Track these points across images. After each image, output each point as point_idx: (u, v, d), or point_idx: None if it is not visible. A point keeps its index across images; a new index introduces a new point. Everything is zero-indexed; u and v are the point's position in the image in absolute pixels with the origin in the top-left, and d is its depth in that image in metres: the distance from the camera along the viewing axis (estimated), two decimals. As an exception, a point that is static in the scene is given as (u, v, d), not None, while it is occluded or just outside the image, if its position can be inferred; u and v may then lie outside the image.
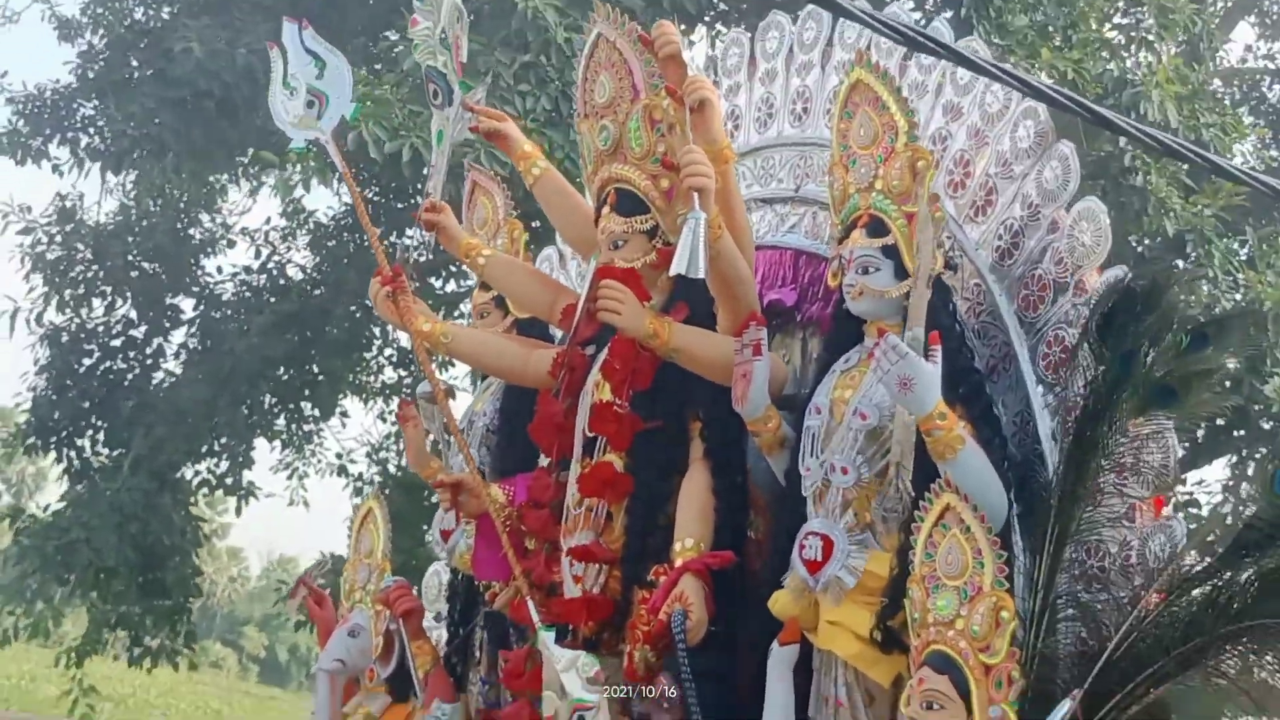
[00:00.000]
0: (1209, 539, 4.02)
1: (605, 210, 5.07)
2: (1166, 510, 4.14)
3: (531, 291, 5.57)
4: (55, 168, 15.25)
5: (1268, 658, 3.85)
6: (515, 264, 5.71)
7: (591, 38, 5.13)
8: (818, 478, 4.48)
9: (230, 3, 13.80)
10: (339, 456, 17.16)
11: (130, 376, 15.99)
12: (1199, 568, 3.93)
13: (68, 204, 15.93)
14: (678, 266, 4.40)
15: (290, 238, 16.48)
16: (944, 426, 4.11)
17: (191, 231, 16.60)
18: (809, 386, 4.75)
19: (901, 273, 4.40)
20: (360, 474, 16.42)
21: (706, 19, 13.62)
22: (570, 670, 4.59)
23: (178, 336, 16.33)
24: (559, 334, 5.67)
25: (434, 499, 6.14)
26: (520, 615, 5.25)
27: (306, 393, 16.30)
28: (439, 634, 6.07)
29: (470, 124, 5.41)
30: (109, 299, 16.04)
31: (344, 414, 17.01)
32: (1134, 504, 4.07)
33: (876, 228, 4.44)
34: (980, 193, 4.70)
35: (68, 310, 15.77)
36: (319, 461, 17.22)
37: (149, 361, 16.20)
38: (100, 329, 16.04)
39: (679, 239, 4.44)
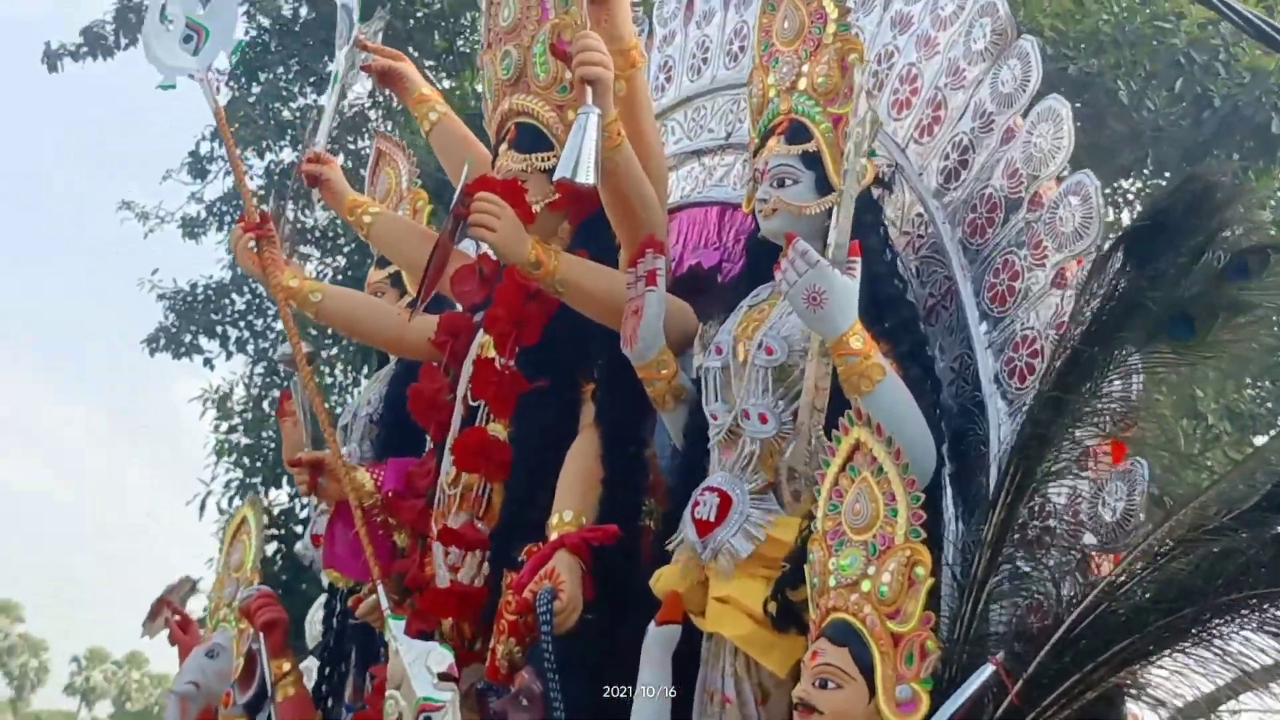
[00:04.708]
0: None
1: (503, 148, 4.38)
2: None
3: (424, 254, 4.84)
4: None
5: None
6: (406, 223, 5.00)
7: None
8: (726, 423, 3.74)
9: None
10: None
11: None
12: (1211, 525, 3.11)
13: (253, 390, 15.65)
14: (562, 170, 3.67)
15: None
16: (859, 352, 3.38)
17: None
18: None
19: (824, 186, 3.71)
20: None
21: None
22: (419, 663, 3.82)
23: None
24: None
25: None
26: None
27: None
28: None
29: (363, 63, 4.79)
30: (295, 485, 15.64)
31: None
32: (1089, 448, 3.28)
33: (797, 132, 3.76)
34: (927, 109, 4.02)
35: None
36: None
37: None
38: (282, 515, 15.33)
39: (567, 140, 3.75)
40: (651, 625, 3.70)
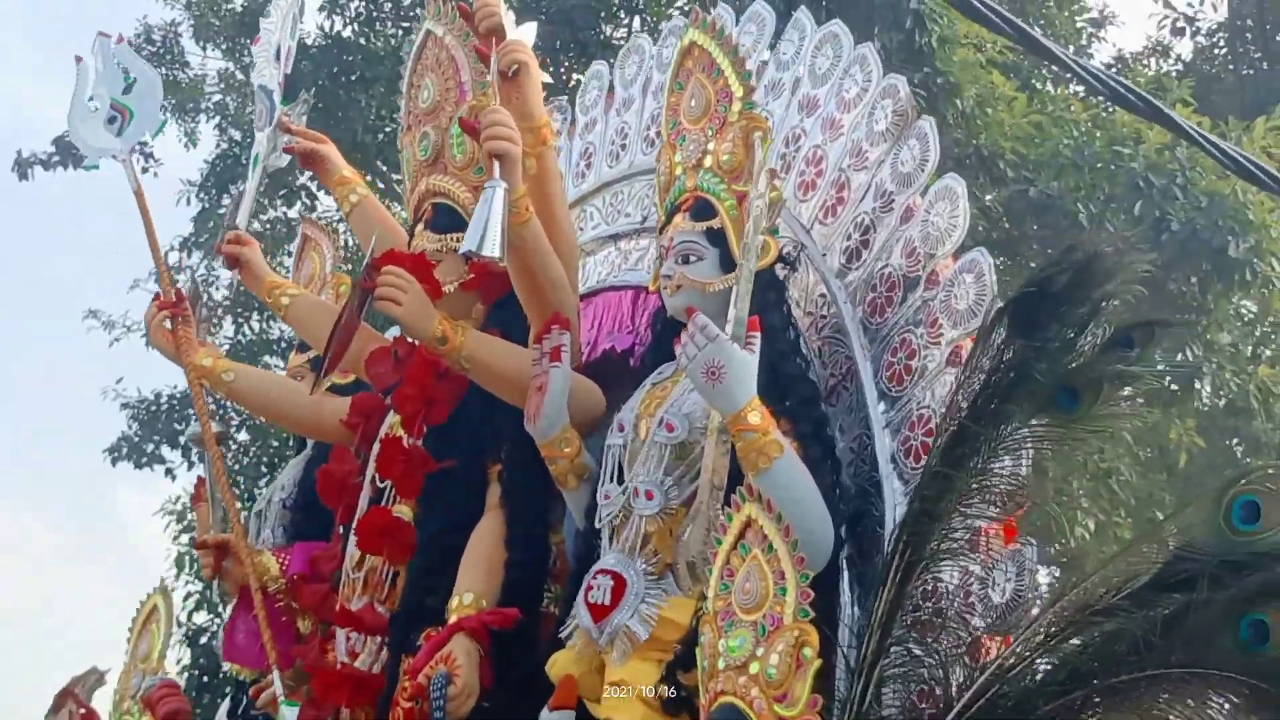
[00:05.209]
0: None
1: (419, 228, 4.35)
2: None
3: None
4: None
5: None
6: (324, 306, 4.91)
7: (419, 38, 4.49)
8: (617, 505, 3.67)
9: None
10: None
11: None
12: (1100, 605, 3.05)
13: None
14: (468, 244, 3.61)
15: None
16: (757, 428, 3.33)
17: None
18: None
19: (729, 263, 3.68)
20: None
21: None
22: (310, 752, 3.73)
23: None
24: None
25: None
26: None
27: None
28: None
29: (286, 144, 4.77)
30: None
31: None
32: (980, 529, 3.21)
33: (702, 209, 3.75)
34: (831, 190, 4.00)
35: (214, 611, 14.68)
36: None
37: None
38: None
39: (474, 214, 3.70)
40: (545, 711, 3.62)
